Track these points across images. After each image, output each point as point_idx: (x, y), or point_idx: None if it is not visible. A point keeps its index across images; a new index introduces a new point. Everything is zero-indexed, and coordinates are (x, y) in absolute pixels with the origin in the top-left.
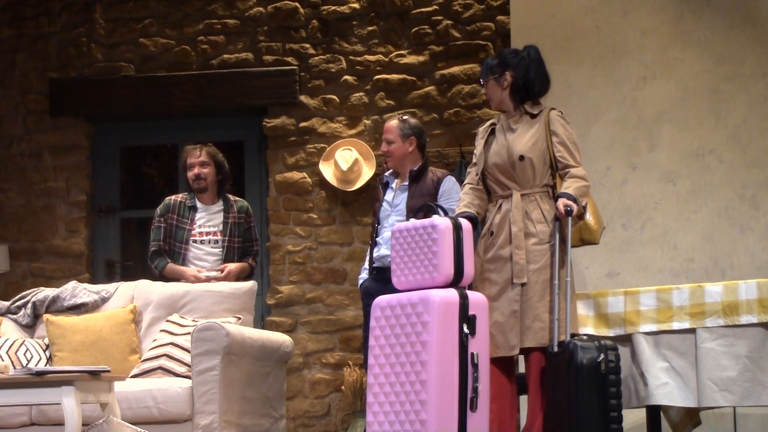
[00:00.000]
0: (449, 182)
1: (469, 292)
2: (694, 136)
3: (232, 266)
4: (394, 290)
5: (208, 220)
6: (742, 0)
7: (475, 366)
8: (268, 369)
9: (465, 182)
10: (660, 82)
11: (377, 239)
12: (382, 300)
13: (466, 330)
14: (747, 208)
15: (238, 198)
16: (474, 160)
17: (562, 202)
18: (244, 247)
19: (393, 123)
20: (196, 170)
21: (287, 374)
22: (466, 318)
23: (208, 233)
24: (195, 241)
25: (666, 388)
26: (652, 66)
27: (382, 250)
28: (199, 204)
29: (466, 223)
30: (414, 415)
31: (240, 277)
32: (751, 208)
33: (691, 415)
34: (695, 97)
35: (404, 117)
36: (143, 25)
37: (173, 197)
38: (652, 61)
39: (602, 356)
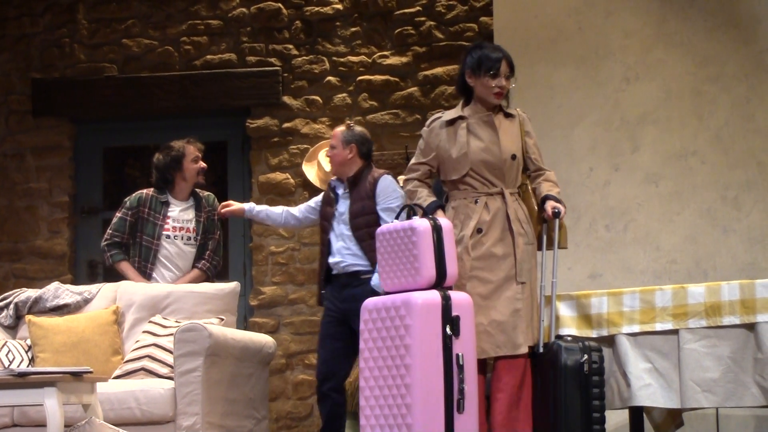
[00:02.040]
0: (385, 181)
1: (453, 293)
2: (676, 137)
3: (185, 278)
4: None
5: (180, 216)
6: (725, 2)
7: (461, 367)
8: (251, 370)
9: (412, 177)
10: (643, 83)
11: (329, 246)
12: (369, 303)
13: (449, 331)
14: (729, 209)
15: (206, 192)
16: (423, 159)
17: (550, 205)
18: (201, 244)
19: (339, 129)
20: (202, 163)
21: (270, 375)
22: (449, 319)
23: (181, 228)
24: (168, 237)
25: (649, 389)
26: (635, 67)
27: (336, 257)
28: (171, 199)
29: (446, 223)
30: (401, 419)
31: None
32: (733, 209)
33: (674, 416)
34: (678, 99)
35: (351, 124)
36: (126, 26)
37: (145, 191)
38: (635, 62)
39: (586, 357)
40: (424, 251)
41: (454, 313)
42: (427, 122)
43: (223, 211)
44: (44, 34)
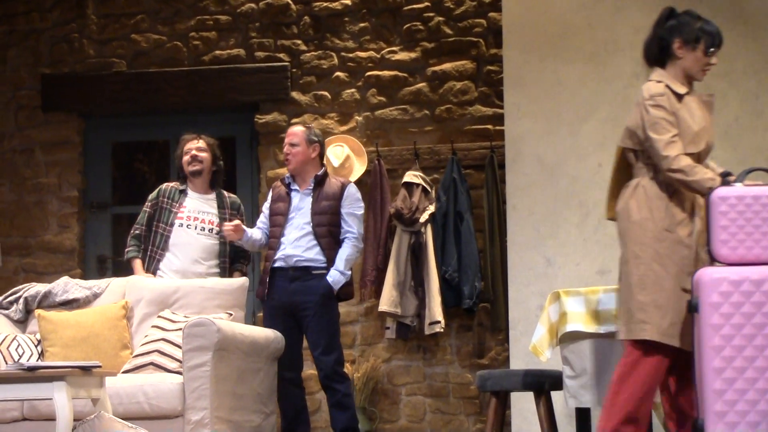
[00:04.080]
0: (352, 188)
1: None
2: None
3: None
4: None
5: (198, 207)
6: None
7: None
8: (259, 365)
9: (681, 155)
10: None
11: (281, 239)
12: (721, 274)
13: None
14: None
15: (231, 194)
16: (673, 138)
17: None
18: (234, 249)
19: (299, 129)
20: (193, 152)
21: None
22: None
23: (195, 218)
24: (181, 225)
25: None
26: (643, 64)
27: (288, 249)
28: (190, 190)
29: None
30: None
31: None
32: None
33: None
34: None
35: (309, 125)
36: (135, 21)
37: (167, 184)
38: (642, 59)
39: None
40: None
41: None
42: (656, 95)
43: (230, 232)
44: (53, 30)
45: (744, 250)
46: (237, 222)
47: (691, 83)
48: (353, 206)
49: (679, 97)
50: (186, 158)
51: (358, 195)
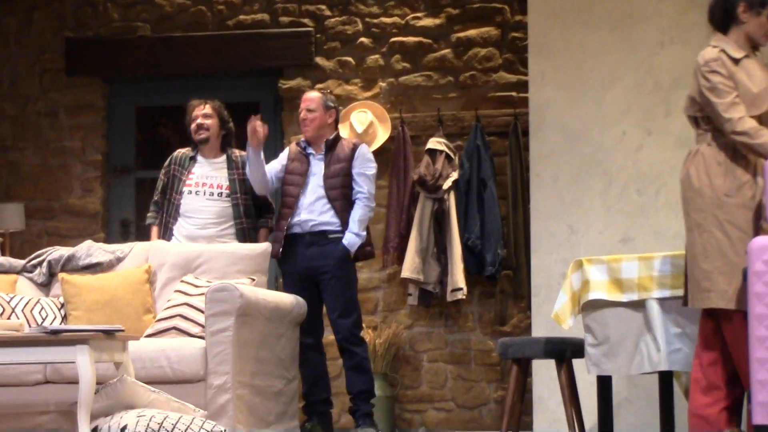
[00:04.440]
0: (363, 149)
1: None
2: None
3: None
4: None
5: (206, 172)
6: None
7: None
8: (281, 330)
9: (745, 116)
10: (677, 47)
11: (298, 204)
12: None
13: None
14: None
15: (242, 152)
16: (735, 99)
17: None
18: (254, 203)
19: (315, 94)
20: (199, 120)
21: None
22: None
23: (204, 184)
24: (190, 192)
25: (679, 353)
26: (669, 31)
27: (303, 215)
28: (199, 156)
29: None
30: None
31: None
32: None
33: None
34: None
35: (324, 90)
36: None
37: (179, 150)
38: (669, 26)
39: None
40: None
41: None
42: (711, 60)
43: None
44: None
45: None
46: (261, 127)
47: (755, 48)
48: (364, 166)
49: (736, 61)
50: (192, 126)
51: (370, 155)
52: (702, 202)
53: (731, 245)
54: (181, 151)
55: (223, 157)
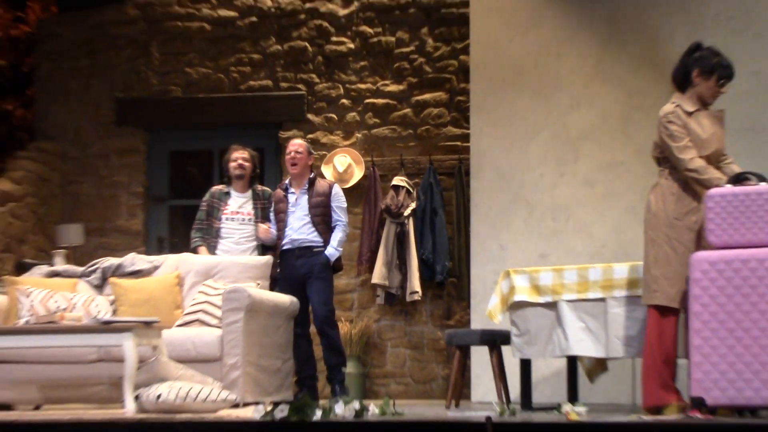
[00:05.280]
0: (337, 188)
1: None
2: (608, 151)
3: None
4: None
5: (238, 204)
6: (648, 48)
7: None
8: (279, 322)
9: (695, 157)
10: (583, 109)
11: (286, 230)
12: (703, 256)
13: None
14: None
15: (264, 188)
16: (688, 143)
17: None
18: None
19: (301, 141)
20: (239, 161)
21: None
22: None
23: (237, 213)
24: (227, 219)
25: (583, 342)
26: (578, 97)
27: (293, 235)
28: (233, 192)
29: None
30: None
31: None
32: None
33: (601, 363)
34: (610, 122)
35: (306, 140)
36: (188, 58)
37: (216, 187)
38: (577, 93)
39: None
40: None
41: None
42: (669, 113)
43: (262, 231)
44: (125, 64)
45: (726, 237)
46: (265, 227)
47: (705, 104)
48: (339, 201)
49: (689, 113)
50: (233, 164)
51: (341, 193)
52: (657, 223)
53: (676, 257)
54: (217, 188)
55: (250, 192)
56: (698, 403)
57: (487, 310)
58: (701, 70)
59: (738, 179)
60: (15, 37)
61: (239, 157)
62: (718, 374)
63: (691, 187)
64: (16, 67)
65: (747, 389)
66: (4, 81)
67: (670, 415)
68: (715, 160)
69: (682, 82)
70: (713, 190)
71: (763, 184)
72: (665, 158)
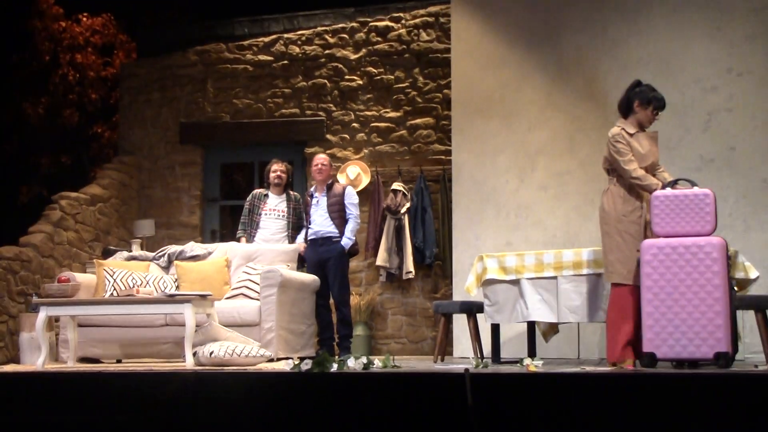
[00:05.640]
0: (349, 189)
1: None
2: (558, 163)
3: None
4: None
5: (274, 204)
6: (588, 83)
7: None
8: (305, 296)
9: (637, 167)
10: (539, 131)
11: (311, 224)
12: (652, 242)
13: (729, 263)
14: (589, 207)
15: (295, 192)
16: (631, 157)
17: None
18: (298, 221)
19: (325, 156)
20: (278, 173)
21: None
22: (728, 255)
23: (273, 210)
24: (266, 215)
25: (539, 311)
26: (535, 121)
27: (315, 228)
28: (270, 194)
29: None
30: (707, 335)
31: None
32: (592, 207)
33: (553, 327)
34: (560, 140)
35: (327, 155)
36: (235, 92)
37: (256, 190)
38: (534, 117)
39: None
40: (713, 210)
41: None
42: (616, 134)
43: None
44: (187, 97)
45: (669, 228)
46: (302, 246)
47: (642, 128)
48: (351, 199)
49: (631, 135)
50: (273, 174)
51: (353, 192)
52: (609, 219)
53: (625, 245)
54: (258, 190)
55: (284, 195)
56: (650, 357)
57: (465, 286)
58: (641, 101)
59: (672, 184)
60: (104, 77)
61: (278, 169)
62: (665, 335)
63: (635, 191)
64: (104, 99)
65: (689, 346)
66: (95, 110)
67: (627, 367)
68: (651, 169)
69: (625, 110)
70: (658, 192)
71: (695, 188)
72: (613, 169)
